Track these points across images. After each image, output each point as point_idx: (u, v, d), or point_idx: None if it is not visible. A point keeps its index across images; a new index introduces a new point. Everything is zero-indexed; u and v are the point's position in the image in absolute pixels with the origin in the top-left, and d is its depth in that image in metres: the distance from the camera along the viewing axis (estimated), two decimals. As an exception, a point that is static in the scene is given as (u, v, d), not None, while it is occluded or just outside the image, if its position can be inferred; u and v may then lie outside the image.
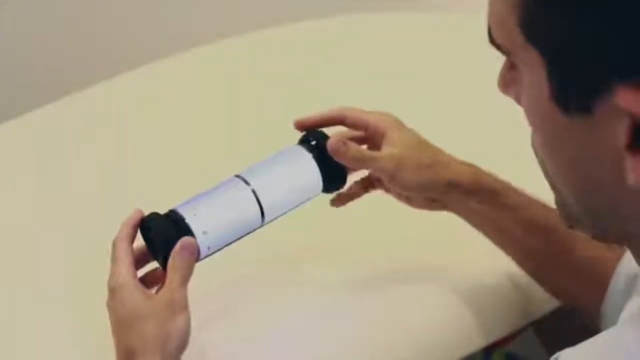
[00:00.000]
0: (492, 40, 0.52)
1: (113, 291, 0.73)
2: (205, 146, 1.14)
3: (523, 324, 0.90)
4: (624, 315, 0.58)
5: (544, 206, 0.80)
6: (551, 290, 0.85)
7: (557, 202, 0.57)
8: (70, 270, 0.93)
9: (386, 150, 0.80)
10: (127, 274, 0.73)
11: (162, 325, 0.70)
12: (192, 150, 1.14)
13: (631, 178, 0.46)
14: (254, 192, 0.77)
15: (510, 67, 0.54)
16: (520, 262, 0.86)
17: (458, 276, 0.90)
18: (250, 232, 0.79)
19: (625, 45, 0.44)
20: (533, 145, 0.55)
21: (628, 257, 0.71)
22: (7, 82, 1.93)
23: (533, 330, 1.18)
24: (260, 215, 0.77)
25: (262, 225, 0.79)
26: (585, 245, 0.80)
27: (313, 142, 0.80)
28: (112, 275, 0.74)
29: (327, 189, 0.81)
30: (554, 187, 0.56)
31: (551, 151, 0.52)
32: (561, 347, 0.54)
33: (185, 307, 0.72)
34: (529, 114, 0.52)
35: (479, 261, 0.91)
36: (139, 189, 1.06)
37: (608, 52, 0.45)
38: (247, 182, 0.77)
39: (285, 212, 0.80)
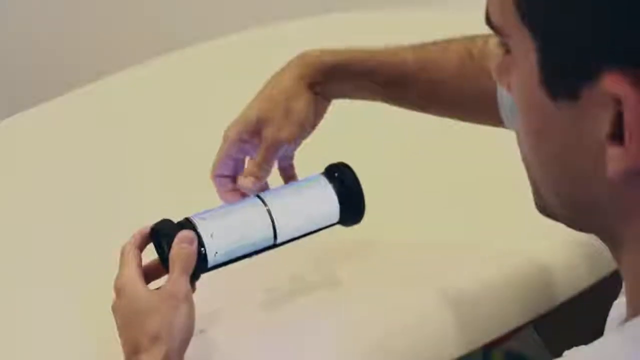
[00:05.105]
0: (489, 22, 0.52)
1: (118, 291, 0.74)
2: (203, 145, 1.13)
3: (523, 322, 0.90)
4: (610, 319, 0.58)
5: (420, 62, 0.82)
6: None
7: (535, 196, 0.57)
8: (74, 272, 0.93)
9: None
10: (132, 274, 0.74)
11: (164, 318, 0.71)
12: (190, 149, 1.13)
13: (610, 168, 0.46)
14: (269, 211, 0.78)
15: (506, 53, 0.54)
16: (452, 114, 0.86)
17: (457, 274, 0.90)
18: (261, 251, 0.80)
19: (616, 30, 0.44)
20: (518, 141, 0.55)
21: None
22: (6, 82, 1.94)
23: (533, 328, 1.18)
24: (272, 235, 0.78)
25: (274, 246, 0.80)
26: None
27: (335, 174, 0.81)
28: (118, 277, 0.75)
29: (343, 220, 0.82)
30: (534, 182, 0.56)
31: (536, 140, 0.52)
32: (561, 345, 0.54)
33: (186, 297, 0.73)
34: (518, 99, 0.52)
35: (478, 259, 0.91)
36: (137, 188, 1.06)
37: (598, 36, 0.44)
38: (264, 202, 0.79)
39: (299, 237, 0.81)
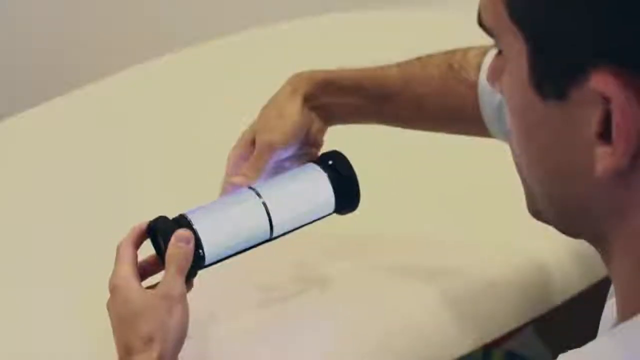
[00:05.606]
0: (481, 22, 0.52)
1: (113, 290, 0.74)
2: (203, 144, 1.13)
3: (523, 322, 0.90)
4: (602, 321, 0.58)
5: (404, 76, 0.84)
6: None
7: (527, 199, 0.57)
8: (74, 271, 0.93)
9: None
10: (127, 273, 0.74)
11: (157, 319, 0.71)
12: (190, 149, 1.13)
13: (599, 168, 0.46)
14: (264, 204, 0.77)
15: (498, 54, 0.54)
16: (438, 127, 0.87)
17: (457, 274, 0.90)
18: (258, 244, 0.79)
19: (604, 29, 0.44)
20: (510, 143, 0.55)
21: None
22: (6, 82, 1.94)
23: (533, 328, 1.18)
24: (269, 228, 0.78)
25: (270, 239, 0.79)
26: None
27: (330, 162, 0.81)
28: (113, 274, 0.75)
29: (339, 209, 0.81)
30: (524, 182, 0.56)
31: (526, 140, 0.52)
32: (561, 345, 0.54)
33: (181, 298, 0.73)
34: (509, 100, 0.52)
35: (478, 259, 0.91)
36: (137, 188, 1.06)
37: (586, 35, 0.45)
38: (259, 195, 0.78)
39: (295, 229, 0.80)
